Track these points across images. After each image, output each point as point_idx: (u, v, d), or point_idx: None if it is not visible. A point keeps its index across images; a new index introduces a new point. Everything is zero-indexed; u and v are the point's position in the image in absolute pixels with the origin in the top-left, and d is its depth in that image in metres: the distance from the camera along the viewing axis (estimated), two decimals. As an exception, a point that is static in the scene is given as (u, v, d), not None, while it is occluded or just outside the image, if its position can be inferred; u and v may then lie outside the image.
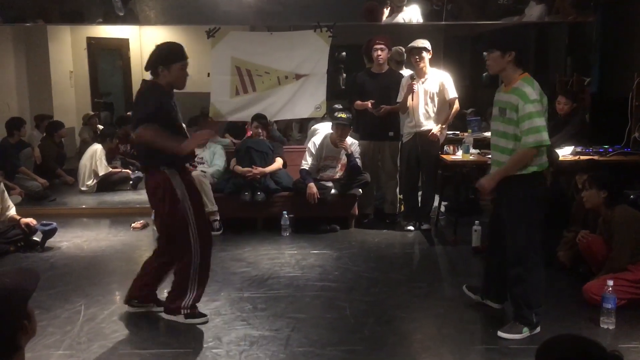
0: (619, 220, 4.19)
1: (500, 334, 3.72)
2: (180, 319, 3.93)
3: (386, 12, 6.95)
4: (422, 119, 5.92)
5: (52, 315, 4.07)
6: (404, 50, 6.44)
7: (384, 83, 6.27)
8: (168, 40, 3.95)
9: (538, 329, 3.73)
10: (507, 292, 3.90)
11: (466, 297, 4.23)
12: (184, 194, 3.79)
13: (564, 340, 1.77)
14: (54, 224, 5.70)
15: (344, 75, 8.94)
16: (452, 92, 5.92)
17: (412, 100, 5.89)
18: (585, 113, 6.91)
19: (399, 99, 6.05)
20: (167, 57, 3.76)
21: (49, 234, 5.64)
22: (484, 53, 3.79)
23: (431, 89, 5.89)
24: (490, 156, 4.02)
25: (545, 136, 3.53)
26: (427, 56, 5.86)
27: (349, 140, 6.17)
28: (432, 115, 5.94)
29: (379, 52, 6.22)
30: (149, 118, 3.66)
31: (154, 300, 4.14)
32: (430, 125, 5.93)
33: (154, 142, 3.67)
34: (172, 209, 3.78)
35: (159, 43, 3.87)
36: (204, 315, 3.97)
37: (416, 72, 5.94)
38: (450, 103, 5.95)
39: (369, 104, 6.20)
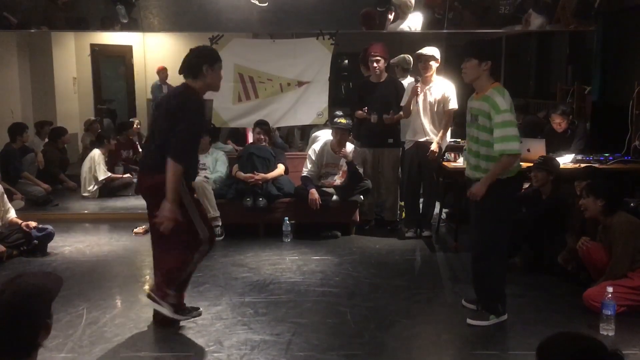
0: (619, 228, 4.21)
1: (468, 321, 3.99)
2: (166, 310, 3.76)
3: (390, 17, 6.93)
4: (422, 128, 5.91)
5: (54, 318, 3.95)
6: (411, 58, 6.43)
7: (382, 92, 6.26)
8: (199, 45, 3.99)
9: (505, 316, 4.00)
10: (475, 283, 4.12)
11: (466, 309, 4.24)
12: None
13: (565, 337, 1.74)
14: (50, 227, 5.66)
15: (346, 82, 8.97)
16: (452, 103, 5.85)
17: (417, 102, 5.88)
18: (585, 121, 6.94)
19: (403, 102, 6.06)
20: (210, 56, 3.78)
21: (45, 238, 5.61)
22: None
23: (434, 99, 5.85)
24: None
25: (517, 145, 3.74)
26: (434, 65, 5.81)
27: (349, 147, 6.20)
28: (431, 125, 5.88)
29: (375, 64, 6.20)
30: (188, 145, 3.58)
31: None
32: (430, 136, 5.89)
33: (171, 182, 3.53)
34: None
35: (192, 48, 3.81)
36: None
37: (422, 79, 5.94)
38: (448, 113, 5.88)
39: (366, 113, 6.21)
